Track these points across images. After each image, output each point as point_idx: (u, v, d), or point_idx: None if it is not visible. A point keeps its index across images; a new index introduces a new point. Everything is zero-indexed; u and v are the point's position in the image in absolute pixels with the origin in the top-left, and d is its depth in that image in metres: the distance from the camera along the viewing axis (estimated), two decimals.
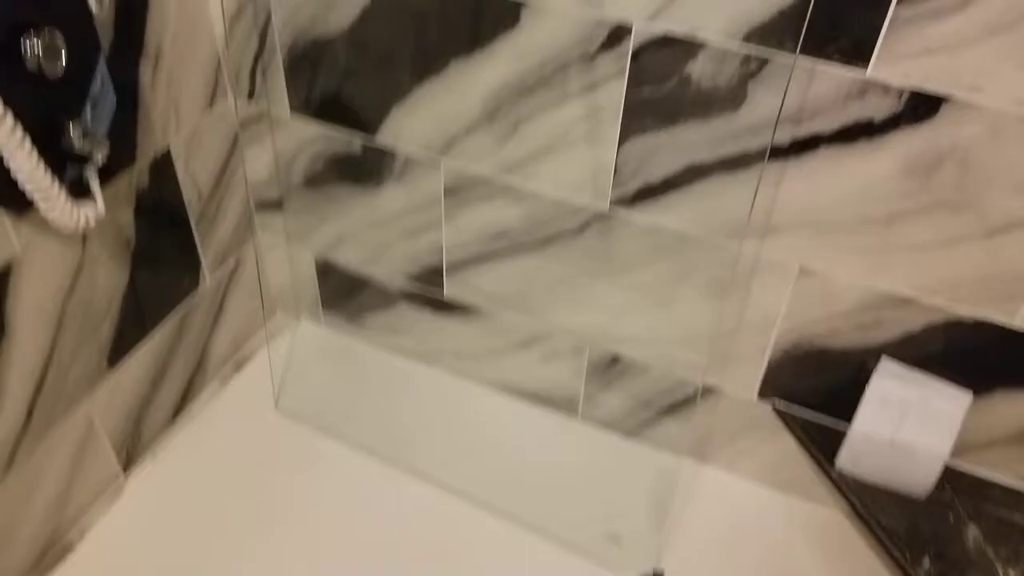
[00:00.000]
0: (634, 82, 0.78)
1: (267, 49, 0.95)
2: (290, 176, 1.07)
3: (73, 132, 0.75)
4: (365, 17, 0.86)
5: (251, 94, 1.01)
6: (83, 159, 0.78)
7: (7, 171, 0.70)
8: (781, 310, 0.88)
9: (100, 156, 0.78)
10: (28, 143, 0.69)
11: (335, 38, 0.90)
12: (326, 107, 0.97)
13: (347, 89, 0.94)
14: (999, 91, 0.66)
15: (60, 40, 0.71)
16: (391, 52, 0.88)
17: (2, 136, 0.67)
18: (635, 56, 0.77)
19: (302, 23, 0.90)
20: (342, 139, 0.99)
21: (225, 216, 1.09)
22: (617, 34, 0.76)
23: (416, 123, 0.93)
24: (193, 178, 1.00)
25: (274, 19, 0.91)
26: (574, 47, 0.79)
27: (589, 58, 0.79)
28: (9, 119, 0.67)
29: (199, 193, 1.02)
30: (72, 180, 0.78)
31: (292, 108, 0.99)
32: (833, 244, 0.81)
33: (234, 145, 1.05)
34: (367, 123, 0.96)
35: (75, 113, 0.76)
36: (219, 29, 0.95)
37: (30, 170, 0.70)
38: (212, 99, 0.99)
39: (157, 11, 0.86)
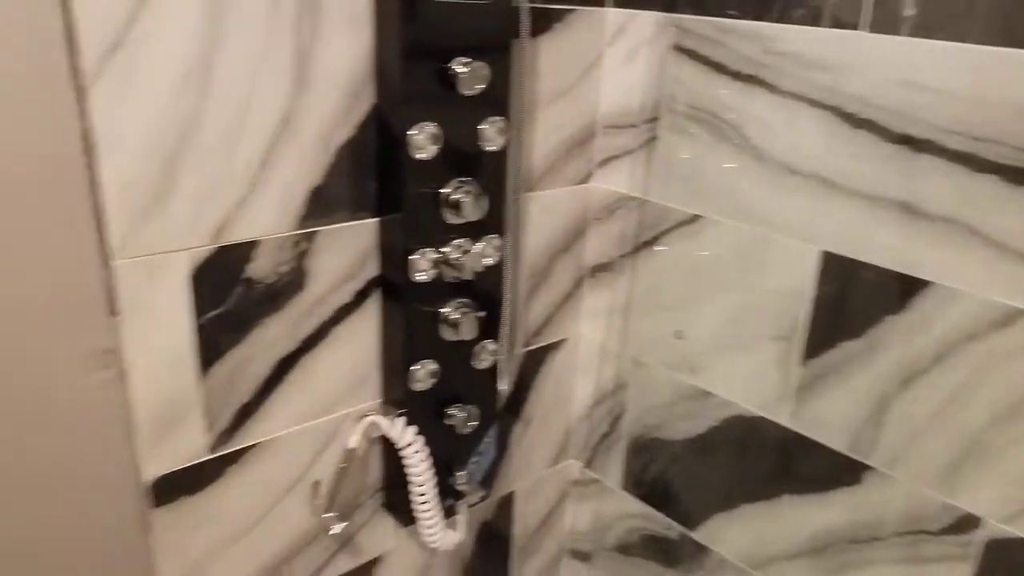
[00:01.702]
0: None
1: (614, 432, 1.11)
2: (604, 538, 1.16)
3: (459, 476, 0.94)
4: (708, 436, 0.98)
5: (589, 463, 1.16)
6: (459, 496, 0.95)
7: (408, 495, 0.89)
8: None
9: (473, 497, 0.96)
10: (431, 482, 0.88)
11: (676, 442, 1.02)
12: (653, 493, 1.08)
13: (676, 484, 1.05)
14: None
15: (475, 412, 0.93)
16: (726, 469, 0.98)
17: (419, 474, 0.87)
18: (987, 547, 0.76)
19: (651, 423, 1.05)
20: (661, 523, 1.07)
21: (540, 554, 1.20)
22: (966, 523, 0.77)
23: (737, 533, 0.98)
24: (524, 518, 1.15)
25: (627, 414, 1.08)
26: (914, 520, 0.81)
27: (932, 534, 0.80)
28: (427, 462, 0.87)
29: (525, 529, 1.16)
30: (444, 508, 0.95)
31: (623, 484, 1.11)
32: None
33: (563, 498, 1.20)
34: (688, 517, 1.04)
35: (465, 462, 0.96)
36: (578, 410, 1.14)
37: (424, 502, 0.89)
38: (557, 459, 1.16)
39: (538, 392, 1.08)
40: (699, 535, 1.03)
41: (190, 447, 0.77)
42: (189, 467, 0.78)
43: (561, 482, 1.19)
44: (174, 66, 0.65)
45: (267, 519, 0.85)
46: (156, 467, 0.76)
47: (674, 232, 0.96)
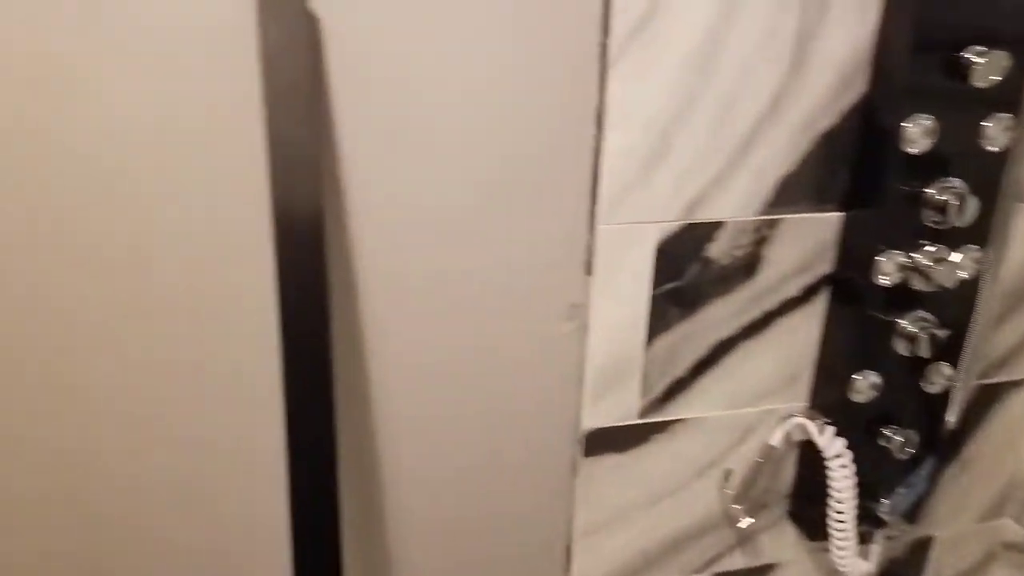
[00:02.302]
0: None
1: None
2: None
3: (884, 503, 0.86)
4: None
5: None
6: (879, 524, 0.87)
7: (822, 509, 0.84)
8: None
9: (894, 529, 0.87)
10: (852, 502, 0.82)
11: None
12: None
13: None
14: None
15: (914, 439, 0.83)
16: None
17: (841, 490, 0.81)
18: None
19: None
20: None
21: None
22: None
23: None
24: (939, 568, 1.02)
25: None
26: None
27: None
28: (852, 479, 0.81)
29: None
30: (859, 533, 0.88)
31: None
32: None
33: (989, 560, 1.03)
34: None
35: (892, 489, 0.87)
36: None
37: (842, 521, 0.83)
38: (990, 513, 1.00)
39: (984, 433, 0.94)
40: None
41: (624, 408, 0.82)
42: (620, 426, 0.82)
43: (991, 541, 1.02)
44: (686, 44, 0.68)
45: (678, 494, 0.87)
46: (592, 419, 0.82)
47: None
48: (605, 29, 0.67)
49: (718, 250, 0.77)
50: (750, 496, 0.89)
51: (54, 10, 0.58)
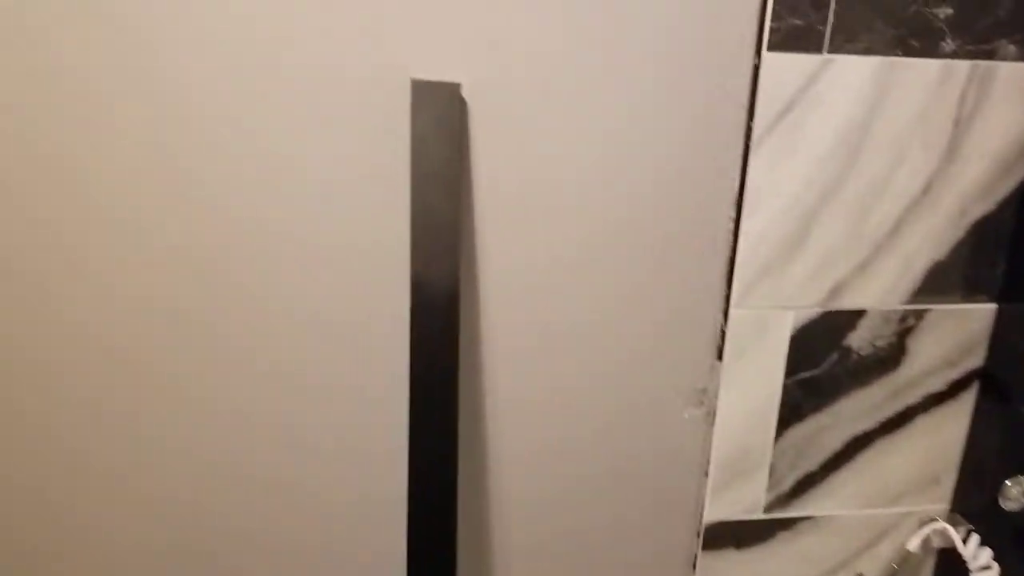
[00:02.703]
0: None
1: None
2: None
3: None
4: None
5: None
6: None
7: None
8: None
9: None
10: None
11: None
12: None
13: None
14: None
15: None
16: None
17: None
18: None
19: None
20: None
21: None
22: None
23: None
24: None
25: None
26: None
27: None
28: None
29: None
30: None
31: None
32: None
33: None
34: None
35: None
36: None
37: None
38: None
39: None
40: None
41: (749, 501, 0.77)
42: (744, 520, 0.78)
43: None
44: (835, 127, 0.66)
45: None
46: (715, 511, 0.77)
47: None
48: (751, 111, 0.65)
49: (858, 339, 0.73)
50: None
51: (245, 96, 0.61)
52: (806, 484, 0.77)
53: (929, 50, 0.64)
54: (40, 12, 0.58)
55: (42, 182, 0.61)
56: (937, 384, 0.76)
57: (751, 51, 0.64)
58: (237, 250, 0.65)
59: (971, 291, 0.73)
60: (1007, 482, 0.74)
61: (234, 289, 0.66)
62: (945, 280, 0.72)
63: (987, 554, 0.75)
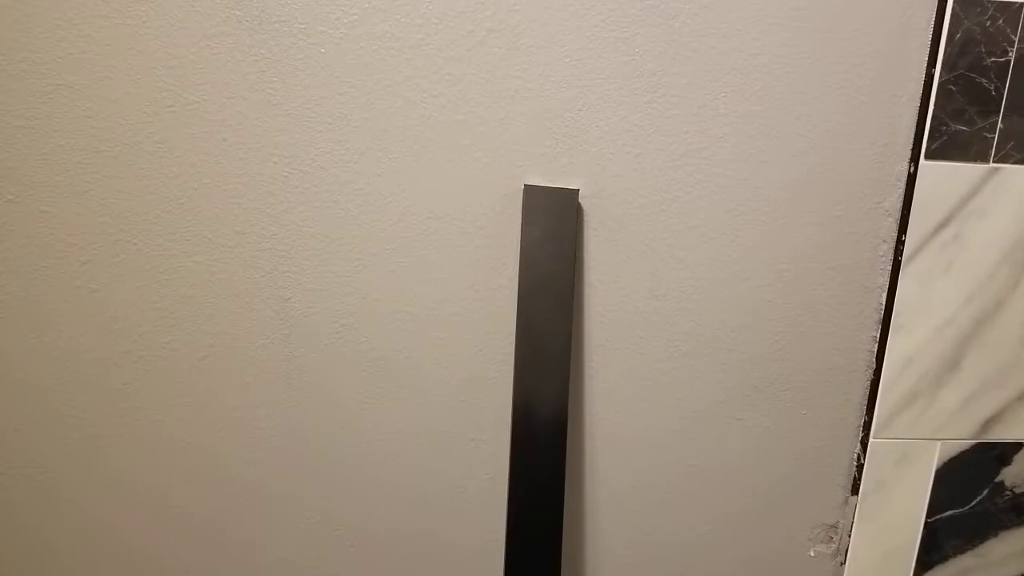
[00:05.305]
0: None
1: None
2: None
3: None
4: None
5: None
6: None
7: None
8: None
9: None
10: None
11: None
12: None
13: None
14: None
15: None
16: None
17: None
18: None
19: None
20: None
21: None
22: None
23: None
24: None
25: None
26: None
27: None
28: None
29: None
30: None
31: None
32: None
33: None
34: None
35: None
36: None
37: None
38: None
39: None
40: None
41: None
42: None
43: None
44: (998, 243, 0.58)
45: None
46: None
47: None
48: (903, 222, 0.58)
49: (1013, 475, 0.64)
50: None
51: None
52: None
53: None
54: None
55: None
56: None
57: (906, 159, 0.57)
58: (340, 378, 0.59)
59: None
60: None
61: (336, 409, 0.60)
62: None
63: None
